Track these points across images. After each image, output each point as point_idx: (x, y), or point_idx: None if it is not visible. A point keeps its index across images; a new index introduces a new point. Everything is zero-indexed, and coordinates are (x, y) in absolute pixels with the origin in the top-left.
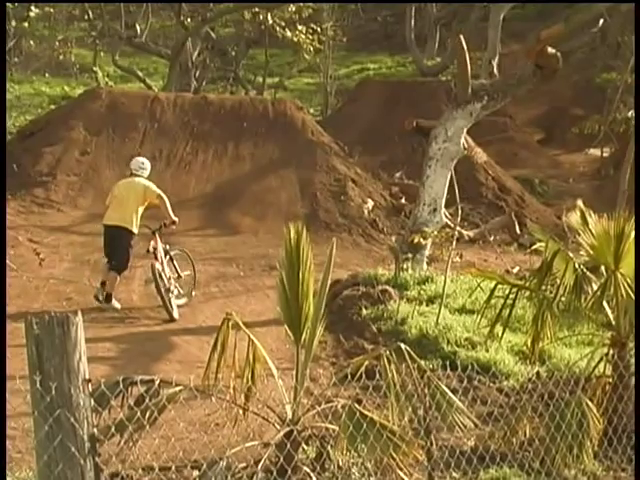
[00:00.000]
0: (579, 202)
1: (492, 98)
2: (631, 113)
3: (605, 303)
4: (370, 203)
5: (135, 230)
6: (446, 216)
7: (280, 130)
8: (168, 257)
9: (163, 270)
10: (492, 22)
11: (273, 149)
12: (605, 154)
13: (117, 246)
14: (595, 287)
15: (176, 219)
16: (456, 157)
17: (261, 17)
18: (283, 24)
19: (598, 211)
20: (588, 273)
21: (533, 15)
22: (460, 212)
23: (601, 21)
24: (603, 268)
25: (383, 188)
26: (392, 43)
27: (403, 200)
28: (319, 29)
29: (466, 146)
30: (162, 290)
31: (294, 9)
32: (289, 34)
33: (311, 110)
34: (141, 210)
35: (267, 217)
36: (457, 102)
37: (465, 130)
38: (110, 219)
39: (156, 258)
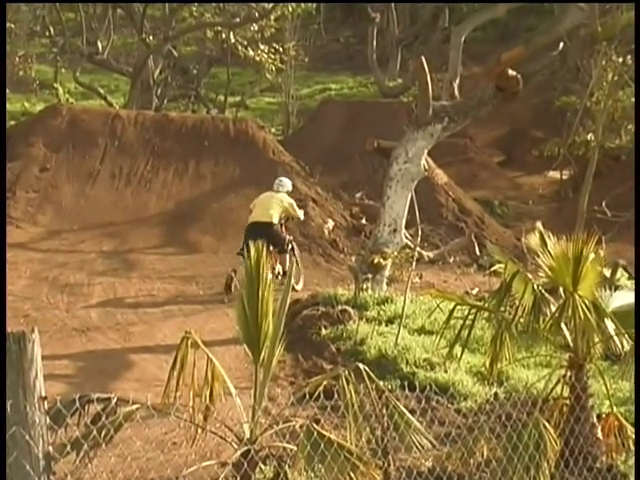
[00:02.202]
0: (538, 224)
1: (452, 119)
2: (590, 136)
3: (563, 325)
4: (330, 223)
5: (275, 222)
6: (406, 237)
7: (241, 149)
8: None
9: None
10: (453, 44)
11: (234, 168)
12: (564, 176)
13: (268, 236)
14: (553, 309)
15: (302, 218)
16: (416, 178)
17: (223, 36)
18: (245, 43)
19: (557, 233)
20: (547, 295)
21: (494, 37)
22: (420, 233)
23: (561, 44)
24: (561, 290)
25: (344, 208)
26: (354, 64)
27: (363, 220)
28: (281, 48)
29: (426, 167)
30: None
31: (256, 28)
32: (251, 53)
33: (272, 129)
34: (278, 215)
35: (227, 236)
36: (418, 123)
37: (426, 151)
38: (254, 217)
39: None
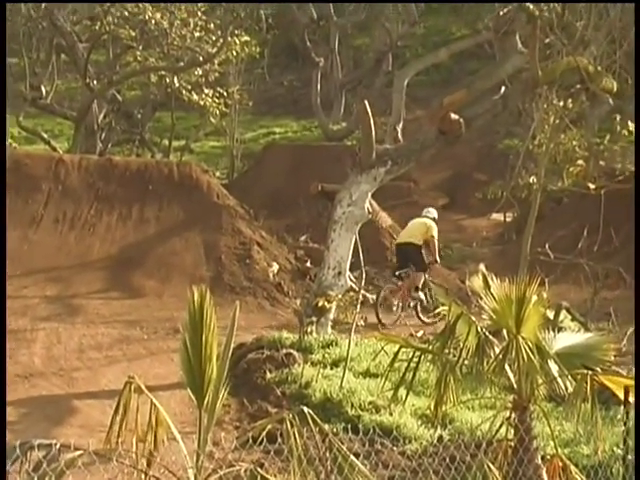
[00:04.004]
0: (482, 266)
1: (396, 163)
2: (533, 179)
3: (507, 366)
4: (275, 266)
5: (417, 243)
6: (351, 279)
7: (185, 193)
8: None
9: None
10: (396, 88)
11: (178, 212)
12: (508, 219)
13: (410, 256)
14: (497, 350)
15: (438, 260)
16: (360, 221)
17: (167, 80)
18: (189, 87)
19: (501, 275)
20: (490, 337)
21: (437, 81)
22: (365, 276)
23: (503, 88)
24: (505, 332)
25: (288, 251)
26: (298, 107)
27: (308, 263)
28: (225, 92)
29: (370, 210)
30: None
31: (200, 72)
32: (195, 97)
33: (217, 173)
34: (421, 238)
35: (172, 280)
36: (361, 167)
37: (369, 194)
38: (401, 238)
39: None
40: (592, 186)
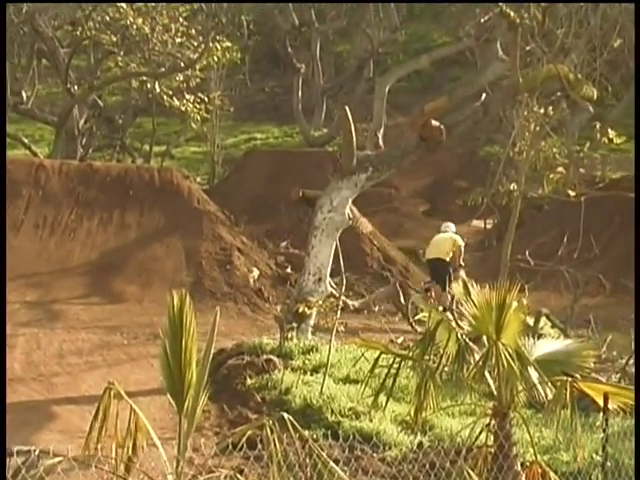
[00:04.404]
0: (462, 273)
1: (377, 169)
2: (513, 186)
3: (487, 373)
4: (256, 272)
5: (448, 259)
6: (331, 285)
7: (166, 198)
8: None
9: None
10: (378, 94)
11: (159, 217)
12: (488, 226)
13: (439, 272)
14: (477, 357)
15: (462, 263)
16: (341, 227)
17: (149, 86)
18: (171, 93)
19: (481, 281)
20: (470, 343)
21: (418, 88)
22: (345, 282)
23: (484, 95)
24: (485, 338)
25: (269, 257)
26: (279, 113)
27: (289, 269)
28: (207, 98)
29: (351, 216)
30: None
31: (182, 78)
32: (177, 103)
33: (198, 179)
34: (450, 252)
35: (152, 285)
36: (342, 173)
37: (350, 200)
38: (430, 254)
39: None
40: (572, 193)
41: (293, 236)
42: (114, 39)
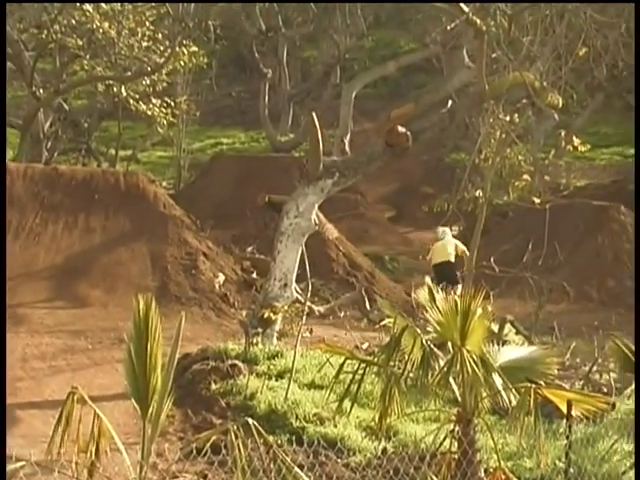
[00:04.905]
0: (427, 279)
1: (343, 175)
2: (479, 192)
3: (452, 379)
4: (221, 277)
5: (454, 261)
6: (297, 291)
7: (132, 203)
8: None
9: None
10: (344, 100)
11: (124, 222)
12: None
13: (448, 272)
14: (442, 363)
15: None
16: (307, 233)
17: (115, 89)
18: (137, 97)
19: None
20: (435, 349)
21: (385, 94)
22: (311, 287)
23: (450, 102)
24: (450, 344)
25: (235, 262)
26: (246, 118)
27: (254, 274)
28: (173, 103)
29: (317, 222)
30: None
31: (148, 82)
32: (143, 107)
33: (164, 183)
34: (454, 255)
35: (117, 290)
36: (309, 178)
37: (316, 206)
38: (440, 258)
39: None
40: (537, 200)
41: (259, 241)
42: (80, 43)
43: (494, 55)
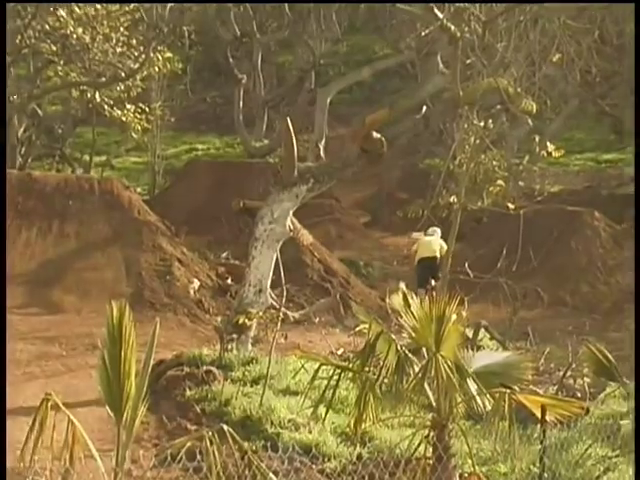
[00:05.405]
0: (402, 285)
1: (318, 180)
2: (453, 198)
3: (426, 385)
4: (196, 283)
5: (438, 257)
6: (271, 297)
7: (106, 209)
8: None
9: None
10: (319, 105)
11: (99, 227)
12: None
13: (432, 268)
14: (417, 369)
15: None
16: (282, 238)
17: (89, 95)
18: (111, 103)
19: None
20: (410, 355)
21: (360, 99)
22: (285, 293)
23: (424, 108)
24: (424, 350)
25: (209, 268)
26: (221, 124)
27: (229, 280)
28: (147, 108)
29: (292, 228)
30: None
31: (123, 88)
32: (117, 113)
33: (138, 189)
34: (439, 252)
35: (91, 295)
36: (283, 184)
37: (291, 212)
38: (425, 253)
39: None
40: (511, 206)
41: (234, 247)
42: (54, 48)
43: (468, 61)
